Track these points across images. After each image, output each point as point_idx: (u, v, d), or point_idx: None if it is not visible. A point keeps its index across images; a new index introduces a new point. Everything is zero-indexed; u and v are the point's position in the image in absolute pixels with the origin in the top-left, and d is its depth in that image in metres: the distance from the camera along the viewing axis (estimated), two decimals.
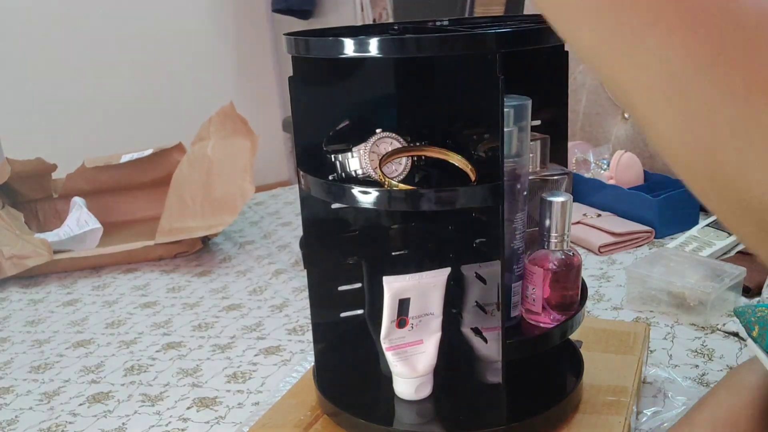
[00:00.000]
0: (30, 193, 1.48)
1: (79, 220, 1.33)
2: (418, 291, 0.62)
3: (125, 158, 1.44)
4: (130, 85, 3.24)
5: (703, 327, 0.86)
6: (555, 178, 0.63)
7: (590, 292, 0.99)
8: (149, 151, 1.46)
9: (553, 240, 0.59)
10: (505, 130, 0.54)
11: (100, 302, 1.13)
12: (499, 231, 0.54)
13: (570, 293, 0.61)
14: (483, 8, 1.91)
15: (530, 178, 0.61)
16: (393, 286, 0.61)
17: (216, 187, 1.29)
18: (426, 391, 0.64)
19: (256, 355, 0.90)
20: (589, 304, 0.95)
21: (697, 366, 0.78)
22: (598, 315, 0.92)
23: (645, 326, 0.78)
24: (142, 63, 3.25)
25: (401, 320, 0.62)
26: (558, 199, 0.59)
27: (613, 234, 1.14)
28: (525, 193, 0.59)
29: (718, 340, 0.83)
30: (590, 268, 1.07)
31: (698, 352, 0.81)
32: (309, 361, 0.86)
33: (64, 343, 0.98)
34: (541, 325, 0.61)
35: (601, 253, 1.12)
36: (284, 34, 0.59)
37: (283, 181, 3.55)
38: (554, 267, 0.59)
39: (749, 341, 0.79)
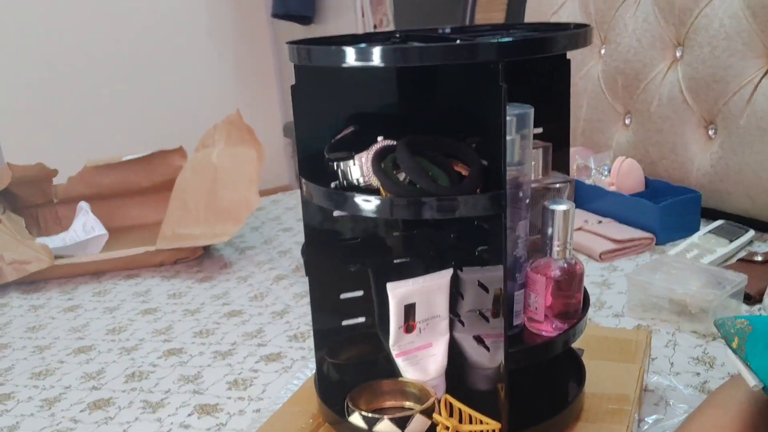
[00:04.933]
0: (31, 199, 1.48)
1: (85, 226, 1.33)
2: (422, 294, 0.62)
3: (126, 158, 1.44)
4: (130, 92, 3.24)
5: (704, 335, 0.86)
6: (557, 186, 0.63)
7: (591, 299, 0.99)
8: (150, 152, 1.46)
9: (555, 248, 0.59)
10: (508, 138, 0.54)
11: (101, 308, 1.13)
12: (501, 239, 0.54)
13: (572, 301, 0.61)
14: (483, 15, 1.91)
15: (532, 186, 0.61)
16: (397, 292, 0.62)
17: (220, 196, 1.28)
18: (440, 393, 0.64)
19: (257, 362, 0.90)
20: (590, 311, 0.95)
21: (698, 374, 0.78)
22: (599, 322, 0.92)
23: (646, 334, 0.78)
24: (142, 69, 3.25)
25: (408, 326, 0.63)
26: (560, 208, 0.59)
27: (614, 241, 1.14)
28: (527, 201, 0.59)
29: (720, 347, 0.83)
30: (591, 275, 1.07)
31: (700, 360, 0.81)
32: (310, 369, 0.85)
33: (65, 350, 0.98)
34: (543, 333, 0.61)
35: (602, 259, 1.12)
36: (287, 43, 0.59)
37: (283, 186, 3.55)
38: (556, 275, 0.60)
39: (729, 353, 0.79)
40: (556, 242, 0.59)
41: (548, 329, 0.61)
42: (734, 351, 0.78)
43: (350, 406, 0.63)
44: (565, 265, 0.60)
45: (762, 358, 0.72)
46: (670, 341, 0.85)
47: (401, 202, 0.55)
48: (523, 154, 0.57)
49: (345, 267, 0.71)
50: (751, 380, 0.73)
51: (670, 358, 0.81)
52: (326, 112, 0.65)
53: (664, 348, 0.84)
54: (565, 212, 0.59)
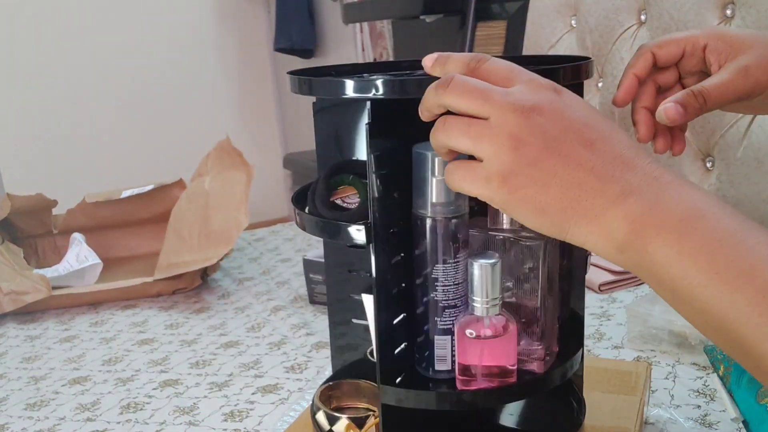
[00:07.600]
0: (30, 229, 1.48)
1: (79, 256, 1.33)
2: None
3: (126, 194, 1.45)
4: (132, 122, 3.27)
5: (704, 367, 0.85)
6: (528, 243, 0.58)
7: (591, 330, 0.98)
8: (150, 187, 1.46)
9: (477, 305, 0.55)
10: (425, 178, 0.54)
11: (98, 339, 1.12)
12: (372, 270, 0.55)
13: (501, 364, 0.56)
14: (482, 49, 1.93)
15: (504, 235, 0.58)
16: None
17: (212, 221, 1.29)
18: None
19: (253, 393, 0.89)
20: (589, 343, 0.95)
21: (699, 406, 0.77)
22: (599, 354, 0.92)
23: (646, 366, 0.78)
24: (145, 100, 3.28)
25: None
26: (483, 262, 0.54)
27: (613, 272, 1.14)
28: (455, 245, 0.56)
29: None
30: (591, 306, 1.06)
31: (700, 392, 0.80)
32: (307, 400, 0.85)
33: (61, 380, 0.98)
34: (473, 386, 0.57)
35: (601, 291, 1.12)
36: (287, 73, 0.60)
37: (282, 218, 3.55)
38: (479, 334, 0.55)
39: (715, 378, 0.79)
40: (477, 299, 0.54)
41: (481, 385, 0.56)
42: (720, 378, 0.78)
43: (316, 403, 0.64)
44: (489, 323, 0.55)
45: (745, 391, 0.72)
46: (671, 373, 0.85)
47: (311, 222, 0.59)
48: (449, 194, 0.54)
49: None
50: (732, 412, 0.73)
51: (670, 391, 0.81)
52: (347, 137, 0.66)
53: (664, 380, 0.83)
54: (488, 267, 0.54)
